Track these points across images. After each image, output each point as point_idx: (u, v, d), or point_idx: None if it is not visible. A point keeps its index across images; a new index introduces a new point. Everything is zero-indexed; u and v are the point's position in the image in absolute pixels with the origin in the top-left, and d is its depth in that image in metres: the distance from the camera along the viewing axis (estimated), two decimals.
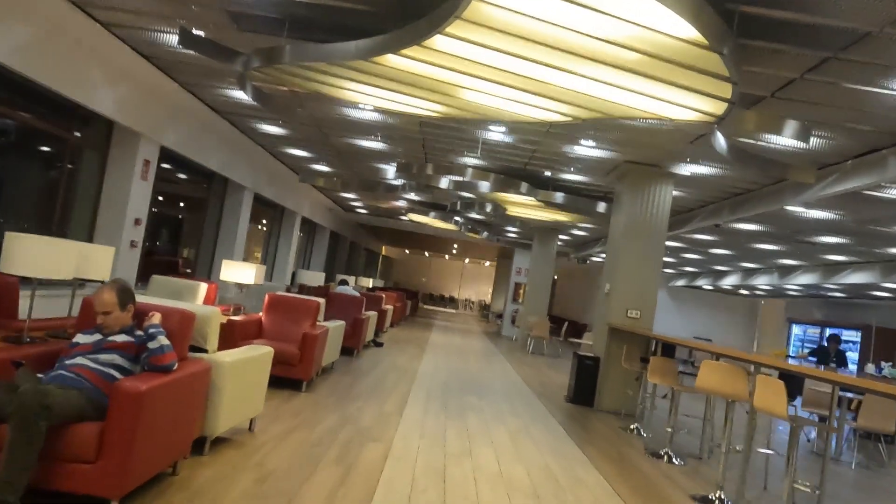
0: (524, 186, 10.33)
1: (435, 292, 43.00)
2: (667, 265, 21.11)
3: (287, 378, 6.82)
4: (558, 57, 4.58)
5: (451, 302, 42.35)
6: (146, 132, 8.57)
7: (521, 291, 23.11)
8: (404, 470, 4.59)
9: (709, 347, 6.03)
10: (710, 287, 22.58)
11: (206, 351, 4.15)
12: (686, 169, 8.76)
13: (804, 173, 6.56)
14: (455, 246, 31.37)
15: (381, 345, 12.55)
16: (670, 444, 6.47)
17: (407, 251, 42.34)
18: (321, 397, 6.69)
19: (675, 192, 9.51)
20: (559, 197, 10.79)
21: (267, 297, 7.60)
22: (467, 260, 41.80)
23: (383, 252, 40.22)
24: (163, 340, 3.49)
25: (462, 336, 19.09)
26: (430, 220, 18.35)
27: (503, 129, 8.20)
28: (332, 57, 5.18)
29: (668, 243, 14.53)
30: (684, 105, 5.16)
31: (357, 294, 11.71)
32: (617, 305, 8.91)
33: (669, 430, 6.46)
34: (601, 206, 11.12)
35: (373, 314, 12.02)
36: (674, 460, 6.26)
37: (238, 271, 7.57)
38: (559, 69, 4.80)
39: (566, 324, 17.96)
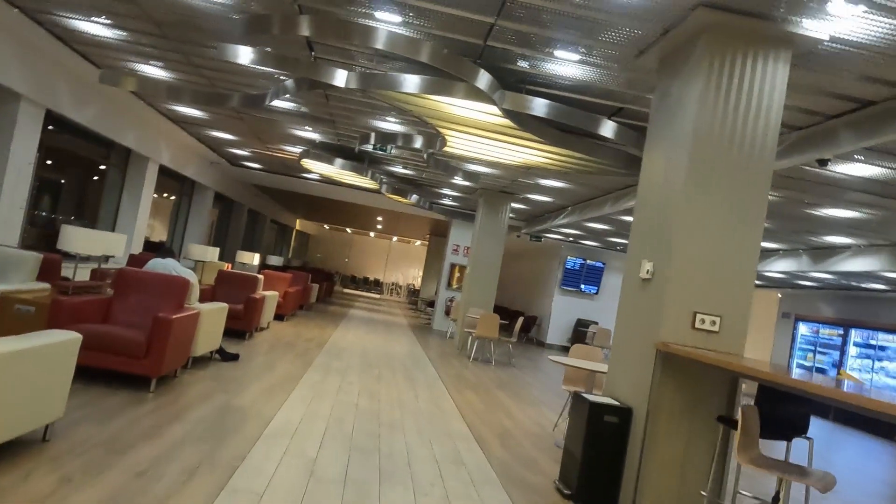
0: (484, 78, 5.57)
1: (358, 274, 37.89)
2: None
3: None
4: None
5: (377, 286, 37.34)
6: None
7: (459, 274, 18.50)
8: None
9: None
10: None
11: None
12: (828, 25, 4.21)
13: None
14: (380, 219, 26.38)
15: (233, 357, 7.58)
16: None
17: (326, 226, 36.97)
18: None
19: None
20: (541, 106, 6.08)
21: None
22: (395, 238, 36.82)
23: (297, 226, 34.72)
24: None
25: (381, 332, 14.27)
26: (339, 173, 13.34)
27: None
28: None
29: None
30: None
31: (186, 274, 6.71)
32: (674, 305, 4.31)
33: None
34: (608, 127, 6.48)
35: (217, 308, 7.05)
36: None
37: None
38: None
39: (521, 319, 13.36)
